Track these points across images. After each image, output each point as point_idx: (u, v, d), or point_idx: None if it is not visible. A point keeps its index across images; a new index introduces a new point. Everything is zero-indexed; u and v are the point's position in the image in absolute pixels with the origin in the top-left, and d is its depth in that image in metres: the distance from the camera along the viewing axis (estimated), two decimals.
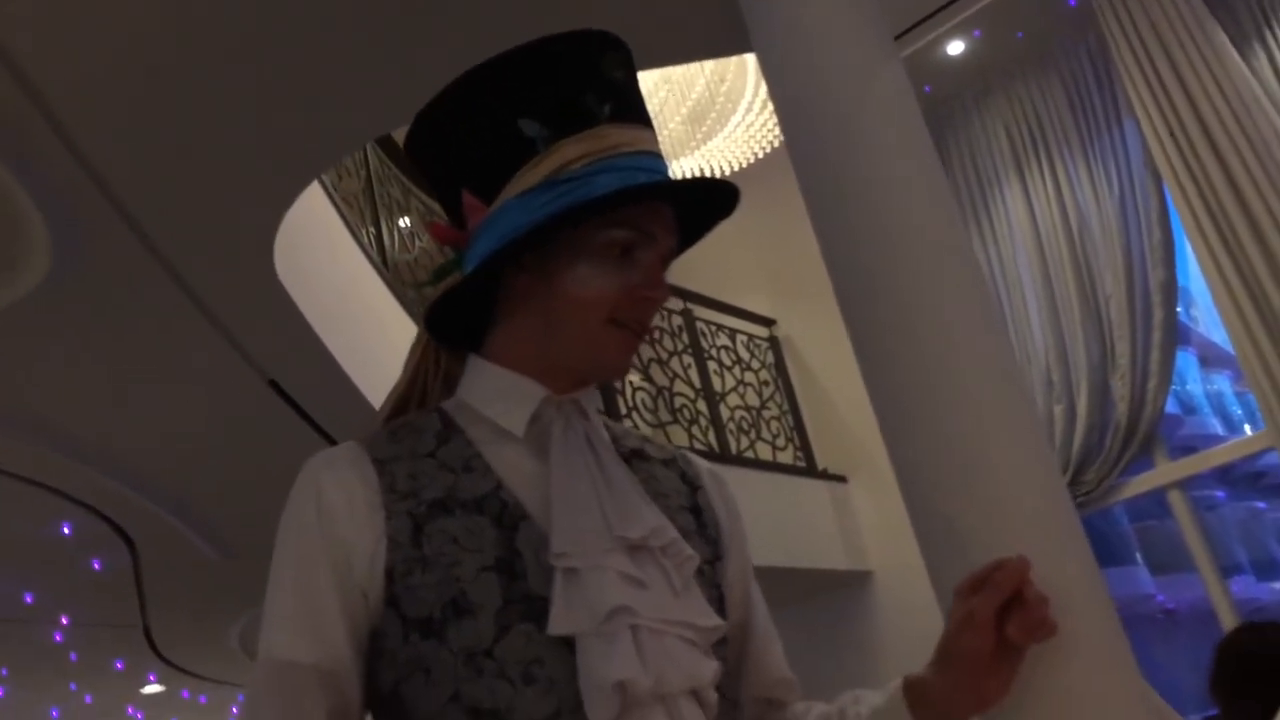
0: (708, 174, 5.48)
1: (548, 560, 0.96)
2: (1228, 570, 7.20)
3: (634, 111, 1.07)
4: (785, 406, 6.33)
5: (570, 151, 1.02)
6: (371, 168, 4.19)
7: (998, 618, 1.03)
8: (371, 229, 4.02)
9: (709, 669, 0.99)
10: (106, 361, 3.67)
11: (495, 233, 1.03)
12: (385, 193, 4.25)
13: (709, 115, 4.94)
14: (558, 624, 0.94)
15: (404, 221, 4.52)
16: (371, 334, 3.53)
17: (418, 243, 4.40)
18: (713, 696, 0.99)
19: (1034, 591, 1.05)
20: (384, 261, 3.94)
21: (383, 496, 0.99)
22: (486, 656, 0.93)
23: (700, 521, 1.14)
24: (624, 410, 5.21)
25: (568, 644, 0.94)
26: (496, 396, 1.07)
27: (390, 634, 0.96)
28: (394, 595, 0.96)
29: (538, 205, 1.01)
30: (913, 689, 1.09)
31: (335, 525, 0.98)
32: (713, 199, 1.12)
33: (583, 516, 1.00)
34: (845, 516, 6.01)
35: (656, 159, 1.07)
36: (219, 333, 3.44)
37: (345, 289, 3.51)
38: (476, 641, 0.94)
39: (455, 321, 1.12)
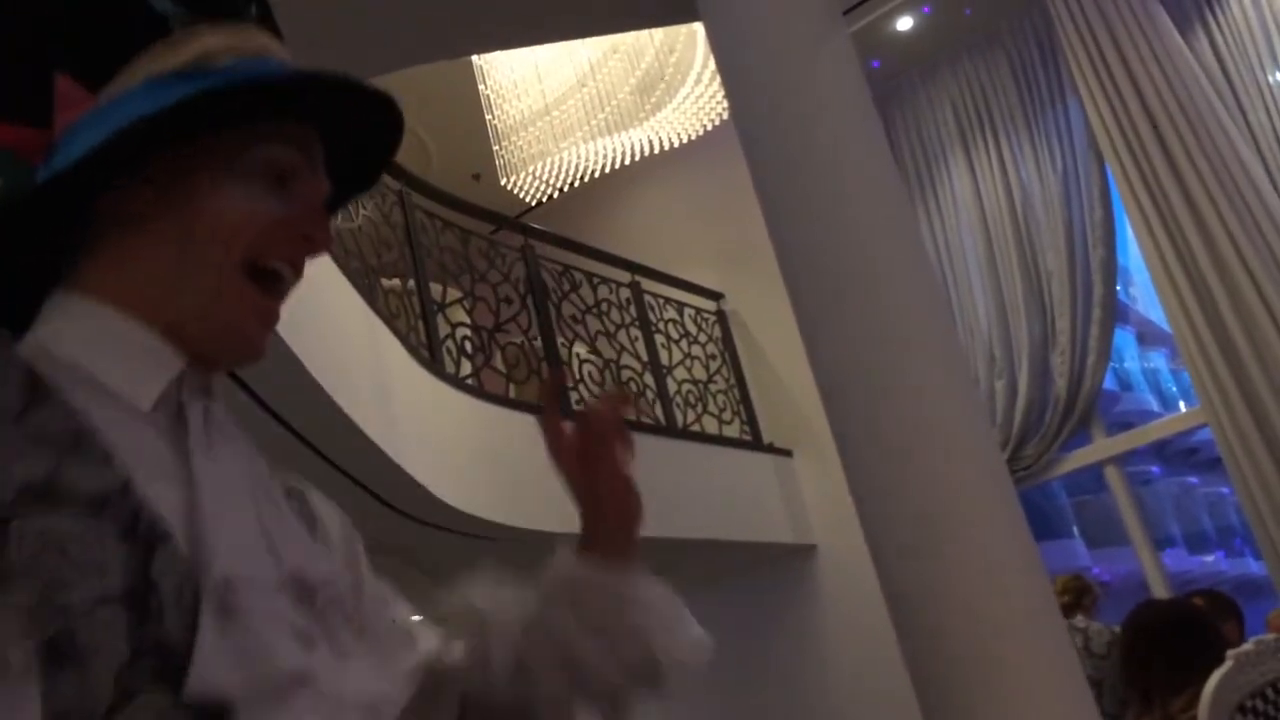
0: (657, 147, 5.45)
1: (193, 599, 0.67)
2: (1161, 544, 7.38)
3: (274, 23, 0.85)
4: (732, 380, 6.35)
5: (213, 42, 0.78)
6: None
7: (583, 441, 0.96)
8: None
9: None
10: None
11: (106, 126, 0.74)
12: None
13: (658, 86, 4.91)
14: (206, 679, 0.66)
15: None
16: (310, 304, 3.46)
17: (361, 211, 4.32)
18: None
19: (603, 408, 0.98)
20: None
21: None
22: None
23: None
24: (570, 383, 5.19)
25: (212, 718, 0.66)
26: (110, 351, 0.76)
27: None
28: None
29: (172, 96, 0.75)
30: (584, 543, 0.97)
31: None
32: (372, 130, 0.88)
33: (243, 535, 0.74)
34: (790, 490, 6.05)
35: (316, 77, 0.82)
36: None
37: None
38: (85, 705, 0.62)
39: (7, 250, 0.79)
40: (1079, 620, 4.65)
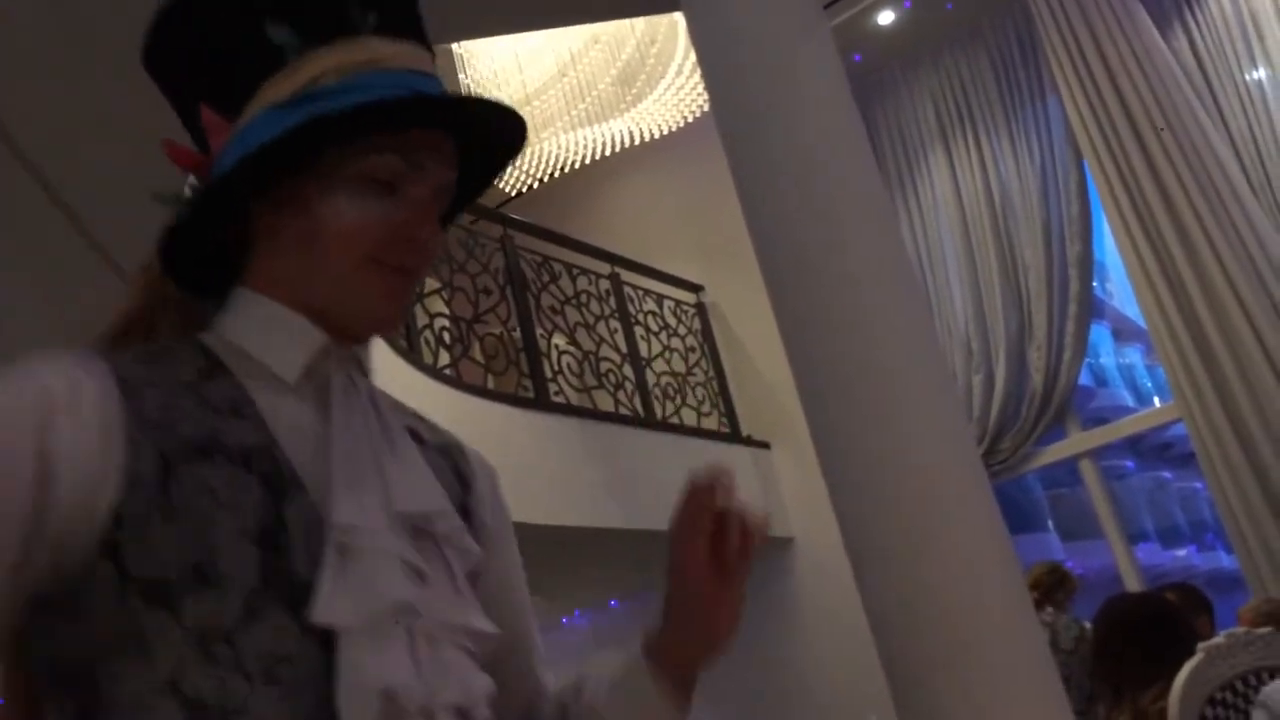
0: (638, 139, 5.44)
1: (317, 540, 0.81)
2: (1134, 538, 7.44)
3: (404, 24, 0.93)
4: (711, 373, 6.35)
5: (324, 63, 0.87)
6: None
7: (710, 548, 0.92)
8: None
9: (483, 685, 0.87)
10: None
11: (235, 154, 0.87)
12: None
13: (639, 77, 4.89)
14: (325, 610, 0.78)
15: None
16: None
17: None
18: (484, 715, 0.87)
19: (730, 509, 0.93)
20: None
21: (126, 417, 0.79)
22: (225, 643, 0.76)
23: (470, 526, 0.97)
24: (549, 374, 5.18)
25: (324, 644, 0.78)
26: (268, 333, 0.90)
27: (99, 592, 0.76)
28: (117, 543, 0.76)
29: (283, 124, 0.85)
30: (649, 647, 0.98)
31: (54, 421, 0.77)
32: (496, 129, 0.96)
33: (364, 488, 0.85)
34: (768, 483, 6.07)
35: (428, 79, 0.91)
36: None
37: None
38: (216, 621, 0.76)
39: (198, 258, 0.93)
40: (1046, 614, 4.67)
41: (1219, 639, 2.31)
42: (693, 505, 0.93)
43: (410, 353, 4.21)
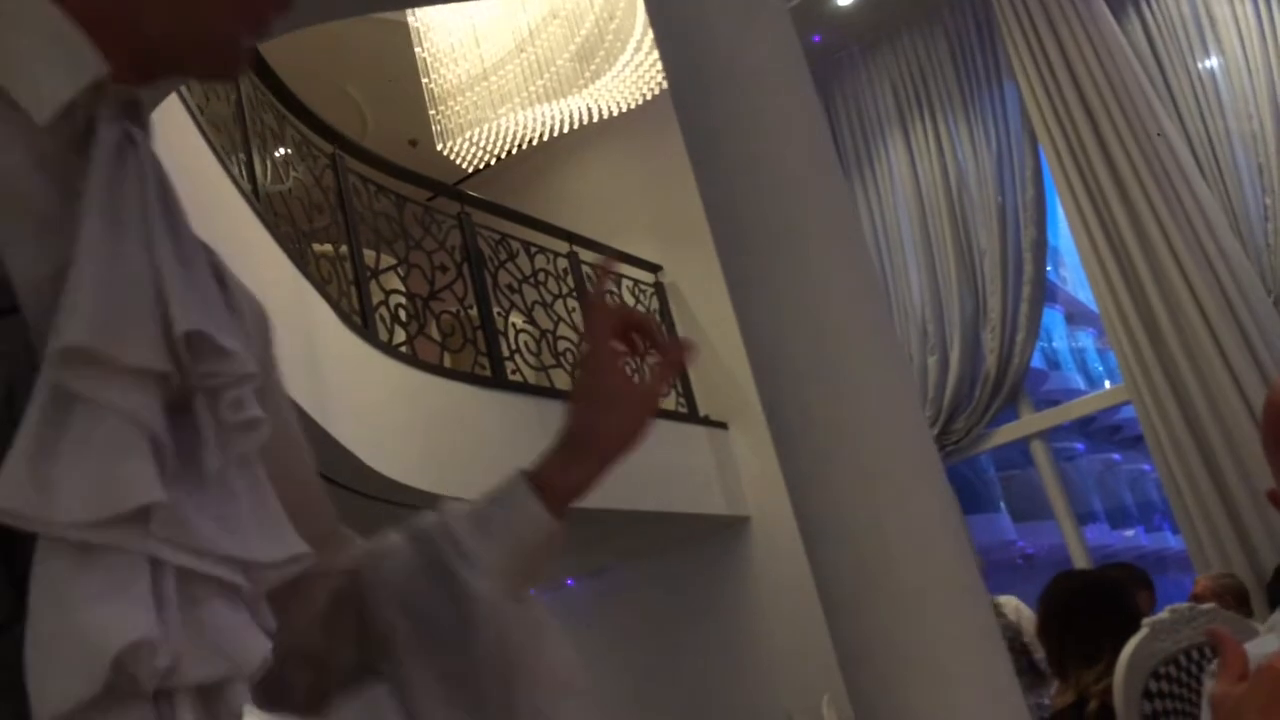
0: (597, 116, 5.40)
1: (21, 383, 0.51)
2: (1084, 518, 7.57)
3: None
4: None
5: None
6: (243, 92, 3.98)
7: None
8: (242, 156, 3.84)
9: (255, 651, 0.57)
10: None
11: None
12: (258, 119, 4.05)
13: (597, 54, 4.85)
14: (15, 499, 0.48)
15: (280, 151, 4.33)
16: (236, 266, 3.38)
17: (292, 173, 4.22)
18: (239, 696, 0.57)
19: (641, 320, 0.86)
20: (255, 192, 3.77)
21: None
22: None
23: None
24: (506, 353, 5.15)
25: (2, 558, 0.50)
26: (18, 40, 0.58)
27: None
28: None
29: None
30: (527, 472, 0.83)
31: None
32: None
33: (123, 298, 0.54)
34: (725, 463, 6.09)
35: None
36: None
37: (210, 217, 3.34)
38: None
39: None
40: None
41: (1163, 615, 2.36)
42: (600, 306, 0.86)
43: (365, 330, 4.16)
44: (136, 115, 0.62)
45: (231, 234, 3.40)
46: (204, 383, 0.58)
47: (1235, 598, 4.02)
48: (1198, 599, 3.76)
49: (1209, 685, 1.05)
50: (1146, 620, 2.34)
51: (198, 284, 0.60)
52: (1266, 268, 5.10)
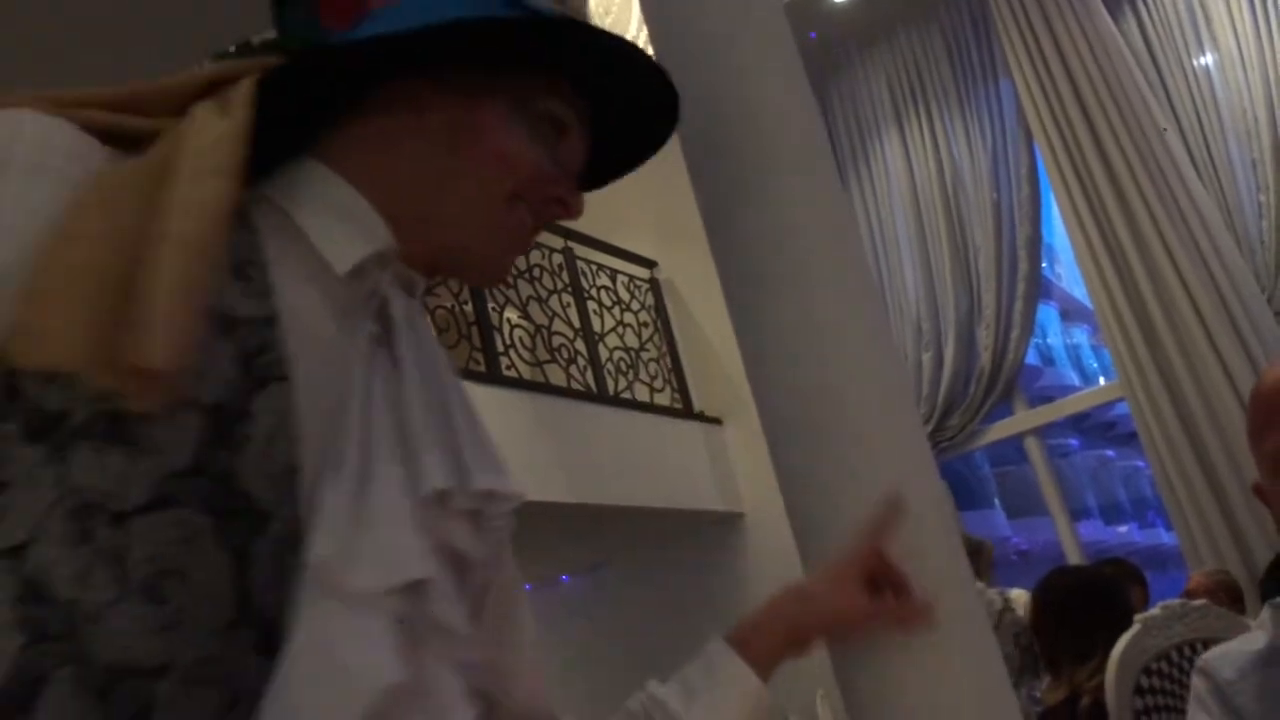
0: None
1: (280, 452, 0.62)
2: (1077, 514, 7.60)
3: None
4: (664, 348, 6.35)
5: None
6: None
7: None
8: None
9: None
10: None
11: (420, 15, 0.72)
12: None
13: None
14: (326, 544, 0.59)
15: None
16: None
17: None
18: None
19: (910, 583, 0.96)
20: None
21: None
22: (113, 524, 0.57)
23: None
24: (501, 348, 5.14)
25: (230, 556, 0.59)
26: (328, 213, 0.73)
27: None
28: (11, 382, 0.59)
29: (493, 8, 0.73)
30: (744, 633, 0.93)
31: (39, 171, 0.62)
32: (646, 123, 0.91)
33: (392, 445, 0.67)
34: (719, 459, 6.09)
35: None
36: None
37: None
38: (117, 492, 0.57)
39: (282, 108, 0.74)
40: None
41: (1155, 611, 2.36)
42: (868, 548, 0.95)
43: None
44: (412, 292, 0.77)
45: None
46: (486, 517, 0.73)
47: (1230, 594, 4.03)
48: (1192, 595, 3.77)
49: (1196, 683, 1.06)
50: (1139, 616, 2.34)
51: (481, 439, 0.74)
52: (1261, 264, 5.11)
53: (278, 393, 0.64)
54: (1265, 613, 1.07)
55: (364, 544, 0.60)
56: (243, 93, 0.69)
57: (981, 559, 4.66)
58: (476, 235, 0.78)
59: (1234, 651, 1.06)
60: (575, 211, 0.83)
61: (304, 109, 0.76)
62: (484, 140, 0.76)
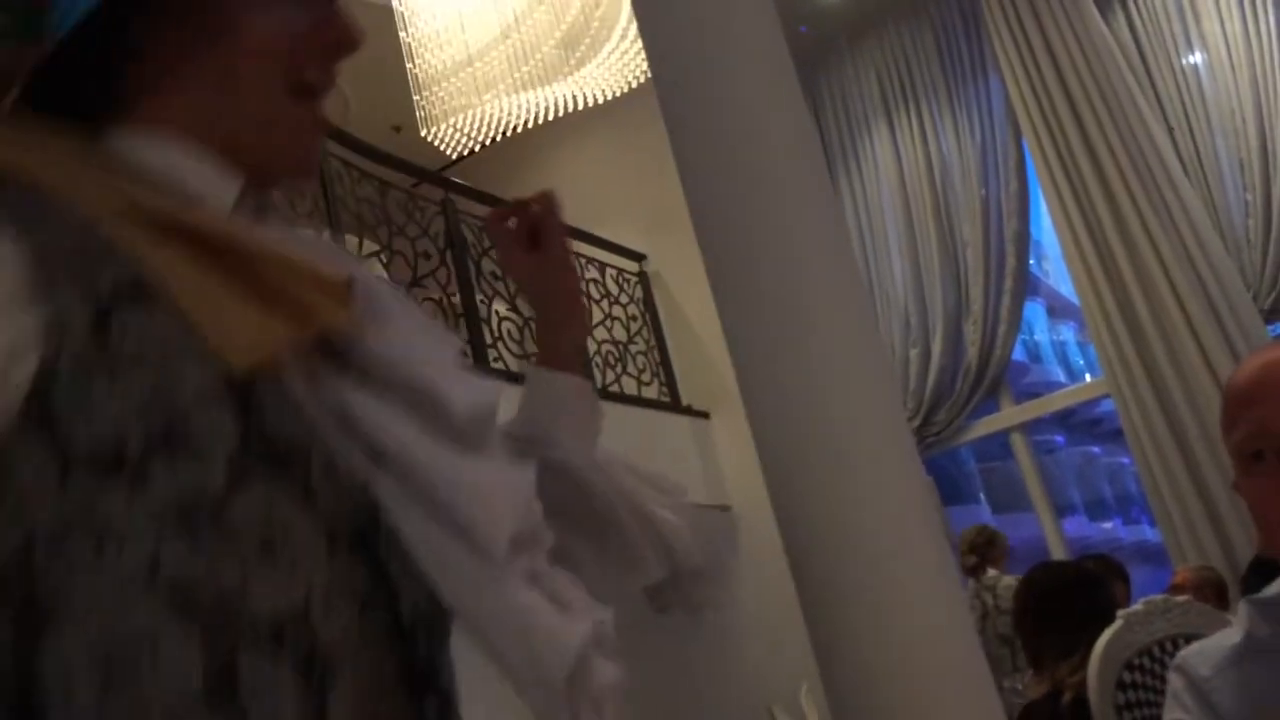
0: (582, 104, 5.39)
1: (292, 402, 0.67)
2: (1062, 510, 7.63)
3: None
4: (652, 342, 6.35)
5: None
6: None
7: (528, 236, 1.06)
8: None
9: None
10: None
11: None
12: None
13: (583, 41, 4.83)
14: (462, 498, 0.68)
15: None
16: None
17: None
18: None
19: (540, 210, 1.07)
20: None
21: (32, 264, 0.61)
22: (212, 518, 0.61)
23: None
24: (489, 340, 5.13)
25: (314, 511, 0.64)
26: (184, 165, 0.73)
27: (30, 471, 0.59)
28: (48, 413, 0.59)
29: None
30: (541, 357, 1.06)
31: None
32: None
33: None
34: (707, 452, 6.10)
35: None
36: None
37: None
38: (198, 491, 0.61)
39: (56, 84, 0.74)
40: (989, 576, 4.74)
41: (1138, 606, 2.37)
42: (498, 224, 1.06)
43: None
44: (267, 213, 0.78)
45: None
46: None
47: (1214, 590, 4.06)
48: (1177, 590, 3.80)
49: (1172, 679, 1.06)
50: (1122, 612, 2.35)
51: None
52: (1246, 263, 5.13)
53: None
54: (1242, 609, 1.07)
55: (482, 490, 0.68)
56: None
57: (995, 549, 4.71)
58: (275, 146, 0.76)
59: (1210, 648, 1.07)
60: (355, 42, 0.78)
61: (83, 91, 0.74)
62: (240, 48, 0.74)
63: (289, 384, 0.67)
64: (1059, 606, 2.54)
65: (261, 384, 0.65)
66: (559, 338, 1.05)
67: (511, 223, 1.06)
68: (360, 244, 4.61)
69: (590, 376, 1.05)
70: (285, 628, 0.61)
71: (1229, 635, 1.06)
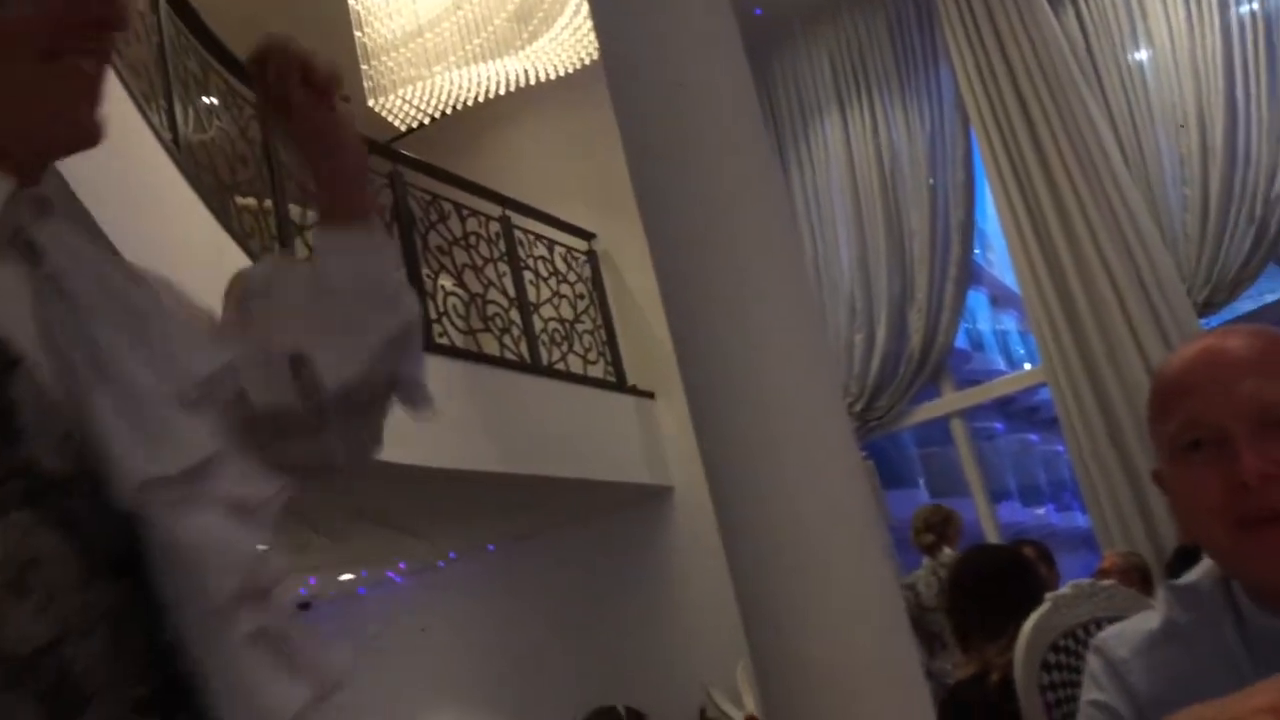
0: (534, 79, 5.34)
1: (58, 420, 0.67)
2: (998, 495, 7.77)
3: None
4: (599, 321, 6.34)
5: None
6: (166, 35, 3.85)
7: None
8: (163, 103, 3.72)
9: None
10: None
11: None
12: (181, 65, 3.92)
13: (536, 14, 4.79)
14: (134, 471, 0.67)
15: (205, 100, 4.20)
16: (152, 217, 3.28)
17: (216, 122, 4.10)
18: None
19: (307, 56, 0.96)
20: (175, 141, 3.66)
21: None
22: None
23: None
24: (434, 315, 5.09)
25: (73, 539, 0.65)
26: None
27: None
28: None
29: None
30: (324, 213, 0.99)
31: None
32: None
33: (138, 359, 0.73)
34: (650, 433, 6.11)
35: None
36: None
37: (126, 166, 3.24)
38: None
39: None
40: (945, 555, 4.83)
41: (1065, 589, 2.42)
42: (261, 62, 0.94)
43: None
44: (46, 208, 0.75)
45: (148, 183, 3.31)
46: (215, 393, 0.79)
47: (1139, 576, 4.17)
48: (1104, 574, 3.89)
49: (1090, 660, 1.09)
50: (1049, 595, 2.40)
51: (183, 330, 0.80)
52: (1183, 257, 5.24)
53: (22, 373, 0.67)
54: (1162, 594, 1.10)
55: (159, 444, 0.69)
56: None
57: (951, 528, 4.80)
58: (43, 114, 0.73)
59: (1129, 631, 1.09)
60: (117, 19, 0.76)
61: None
62: None
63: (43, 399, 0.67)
64: (991, 589, 2.58)
65: (19, 410, 0.65)
66: (334, 180, 0.98)
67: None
68: (304, 214, 4.54)
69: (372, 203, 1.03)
70: (35, 659, 0.61)
71: (1148, 619, 1.09)
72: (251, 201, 4.21)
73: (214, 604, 0.68)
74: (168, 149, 3.52)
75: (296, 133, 0.96)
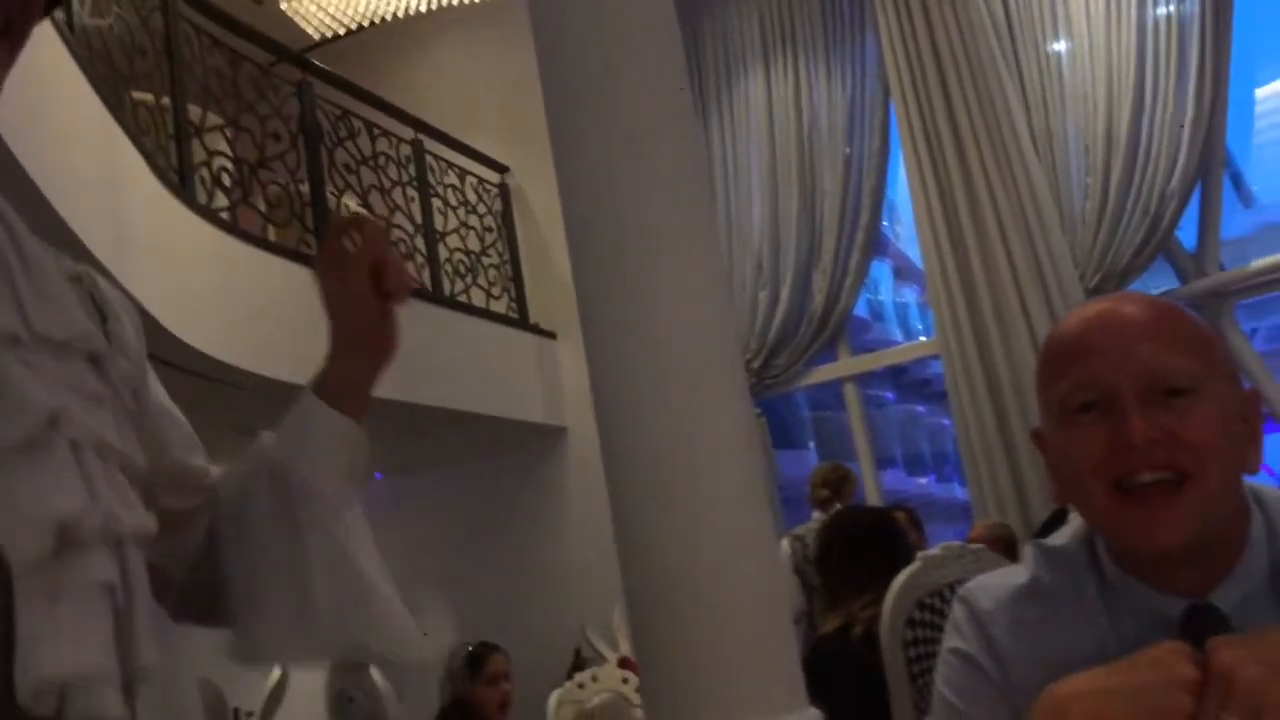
0: (457, 1, 5.18)
1: None
2: (883, 462, 7.97)
3: None
4: (506, 256, 6.26)
5: None
6: None
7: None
8: None
9: (152, 521, 0.79)
10: None
11: None
12: None
13: None
14: None
15: None
16: (40, 103, 3.09)
17: (115, 9, 3.88)
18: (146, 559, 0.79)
19: (389, 252, 0.99)
20: (69, 23, 3.45)
21: None
22: None
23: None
24: None
25: None
26: None
27: None
28: None
29: None
30: (322, 383, 0.97)
31: None
32: None
33: None
34: (549, 372, 6.09)
35: None
36: None
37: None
38: None
39: None
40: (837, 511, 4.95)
41: (935, 550, 2.50)
42: (362, 238, 0.96)
43: (182, 189, 3.91)
44: None
45: (37, 66, 3.11)
46: (75, 346, 0.78)
47: (1005, 546, 4.33)
48: (973, 542, 4.03)
49: (955, 609, 1.11)
50: (920, 554, 2.48)
51: (46, 291, 0.77)
52: (1078, 242, 5.40)
53: None
54: (1028, 551, 1.12)
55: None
56: None
57: (848, 486, 4.90)
58: None
59: (994, 584, 1.11)
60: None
61: None
62: None
63: None
64: (860, 549, 2.65)
65: None
66: (350, 368, 0.97)
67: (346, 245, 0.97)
68: (204, 115, 4.34)
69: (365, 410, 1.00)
70: None
71: (1015, 574, 1.11)
72: (149, 97, 4.00)
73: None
74: (60, 30, 3.31)
75: (340, 308, 0.97)
